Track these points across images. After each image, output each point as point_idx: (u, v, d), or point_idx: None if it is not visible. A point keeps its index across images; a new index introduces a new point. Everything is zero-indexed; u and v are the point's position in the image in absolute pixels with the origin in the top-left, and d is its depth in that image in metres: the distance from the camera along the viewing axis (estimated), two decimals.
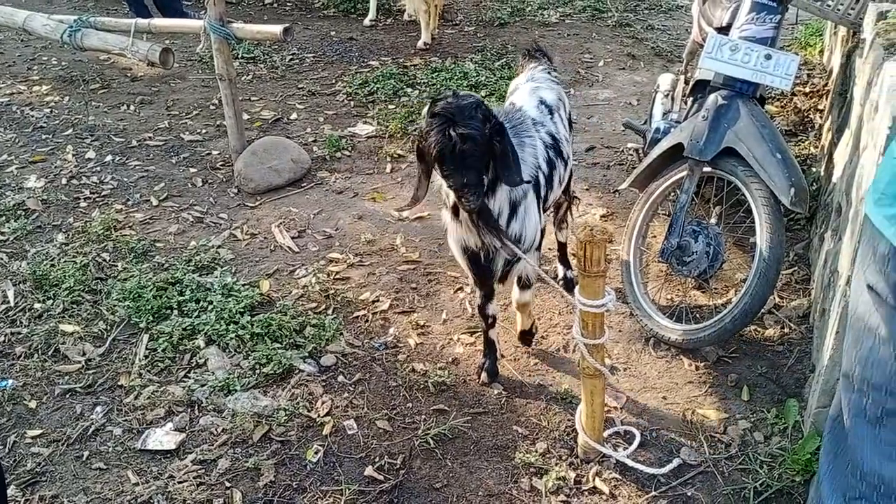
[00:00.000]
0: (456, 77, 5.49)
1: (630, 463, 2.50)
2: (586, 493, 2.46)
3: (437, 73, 5.61)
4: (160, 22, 5.08)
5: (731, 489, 2.45)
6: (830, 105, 4.11)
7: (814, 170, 3.92)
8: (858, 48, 3.28)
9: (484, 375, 2.92)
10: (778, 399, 2.79)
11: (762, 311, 3.02)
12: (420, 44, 6.31)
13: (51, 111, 5.29)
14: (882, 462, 1.64)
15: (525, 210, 2.59)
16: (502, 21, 6.88)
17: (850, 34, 3.80)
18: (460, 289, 3.48)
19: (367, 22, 6.94)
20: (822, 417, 2.47)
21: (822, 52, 5.55)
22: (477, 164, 2.27)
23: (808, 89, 5.03)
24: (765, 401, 2.79)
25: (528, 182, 2.54)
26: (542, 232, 2.80)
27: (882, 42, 2.58)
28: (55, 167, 4.55)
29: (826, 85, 4.84)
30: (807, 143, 4.41)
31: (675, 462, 2.53)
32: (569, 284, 3.37)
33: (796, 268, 3.43)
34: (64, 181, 4.40)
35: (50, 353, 3.08)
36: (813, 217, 3.58)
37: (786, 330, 3.10)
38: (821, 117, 4.52)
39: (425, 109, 2.39)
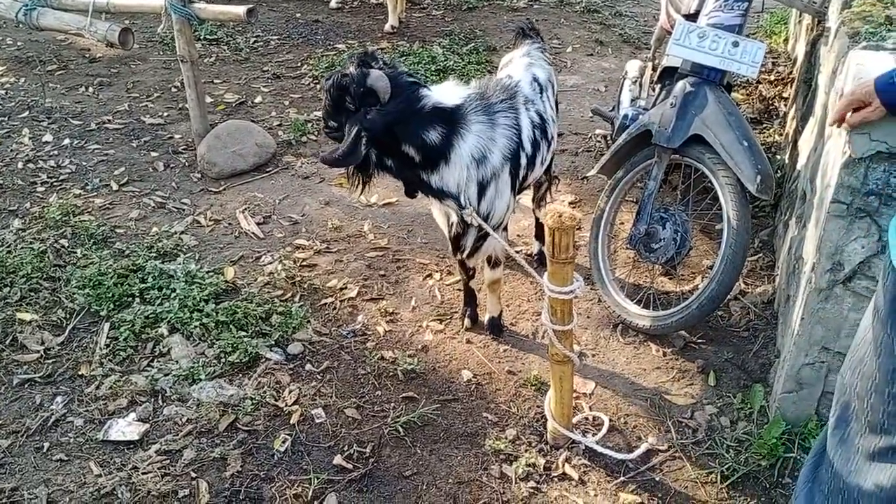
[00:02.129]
0: (424, 61, 5.44)
1: (599, 448, 2.52)
2: (556, 479, 2.47)
3: (404, 58, 5.55)
4: (119, 1, 4.93)
5: (699, 474, 2.48)
6: (795, 93, 4.15)
7: (778, 157, 3.97)
8: (823, 37, 3.31)
9: (466, 321, 3.13)
10: (744, 384, 2.82)
11: (728, 297, 3.05)
12: (387, 27, 6.24)
13: (6, 93, 5.13)
14: (850, 470, 1.64)
15: (496, 190, 2.63)
16: (470, 5, 6.84)
17: (814, 22, 3.84)
18: (429, 276, 3.46)
19: (333, 4, 6.84)
20: (787, 402, 2.51)
21: (786, 40, 5.62)
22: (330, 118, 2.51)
23: (773, 77, 5.09)
24: (731, 386, 2.83)
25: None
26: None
27: (847, 31, 2.60)
28: (11, 150, 4.41)
29: (791, 73, 4.90)
30: (772, 130, 4.45)
31: (644, 447, 2.55)
32: (543, 258, 3.40)
33: (761, 254, 3.48)
34: (20, 165, 4.27)
35: (7, 343, 2.99)
36: (777, 204, 3.63)
37: (751, 316, 3.14)
38: (785, 105, 4.57)
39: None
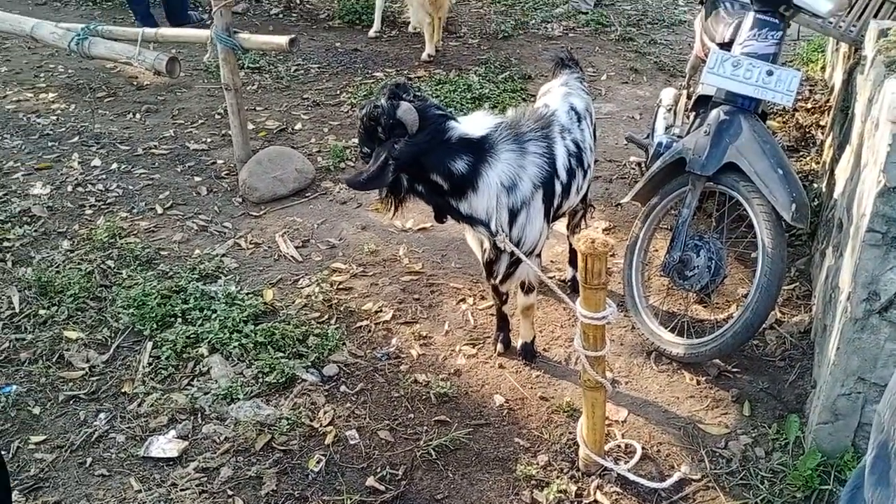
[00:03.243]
0: (460, 89, 5.52)
1: (631, 476, 2.51)
2: None
3: (441, 86, 5.64)
4: (167, 31, 5.12)
5: None
6: (832, 121, 4.13)
7: (815, 185, 3.94)
8: (860, 65, 3.30)
9: (499, 346, 3.16)
10: (779, 414, 2.80)
11: (764, 326, 3.03)
12: (424, 56, 6.34)
13: (57, 118, 5.31)
14: None
15: (528, 216, 2.66)
16: (506, 34, 6.92)
17: (851, 51, 3.83)
18: (463, 300, 3.50)
19: (371, 33, 6.98)
20: (822, 433, 2.48)
21: (823, 68, 5.59)
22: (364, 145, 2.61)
23: (809, 105, 5.06)
24: (766, 416, 2.80)
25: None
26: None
27: (883, 59, 2.59)
28: (61, 174, 4.57)
29: (828, 101, 4.87)
30: (808, 158, 4.43)
31: (676, 476, 2.53)
32: (576, 285, 3.41)
33: (798, 283, 3.45)
34: (70, 188, 4.42)
35: (54, 360, 3.10)
36: (814, 233, 3.60)
37: (787, 345, 3.11)
38: (822, 133, 4.54)
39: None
